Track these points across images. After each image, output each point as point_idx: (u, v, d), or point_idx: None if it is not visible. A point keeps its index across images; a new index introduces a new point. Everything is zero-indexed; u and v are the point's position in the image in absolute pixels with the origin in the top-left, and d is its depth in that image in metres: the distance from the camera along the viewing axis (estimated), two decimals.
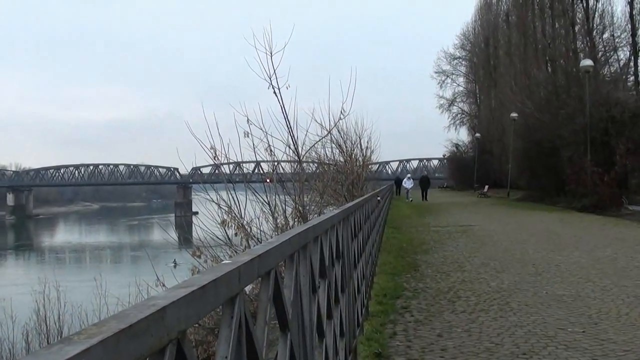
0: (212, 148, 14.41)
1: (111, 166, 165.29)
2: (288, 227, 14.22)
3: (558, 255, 18.32)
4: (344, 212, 7.12)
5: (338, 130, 20.94)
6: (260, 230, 14.75)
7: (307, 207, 15.91)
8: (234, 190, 14.87)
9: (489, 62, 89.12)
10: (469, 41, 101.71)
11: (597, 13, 58.45)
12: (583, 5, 59.02)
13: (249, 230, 14.23)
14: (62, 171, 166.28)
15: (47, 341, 18.84)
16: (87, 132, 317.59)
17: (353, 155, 23.24)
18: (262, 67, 14.92)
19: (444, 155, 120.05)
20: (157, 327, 1.63)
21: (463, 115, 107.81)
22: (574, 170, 41.69)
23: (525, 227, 28.26)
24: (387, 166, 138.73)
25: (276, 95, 15.06)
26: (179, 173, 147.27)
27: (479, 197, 66.73)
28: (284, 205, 15.34)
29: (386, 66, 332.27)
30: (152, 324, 1.60)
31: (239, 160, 15.57)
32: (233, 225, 14.12)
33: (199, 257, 13.54)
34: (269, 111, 15.63)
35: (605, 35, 58.90)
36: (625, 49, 58.32)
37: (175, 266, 20.84)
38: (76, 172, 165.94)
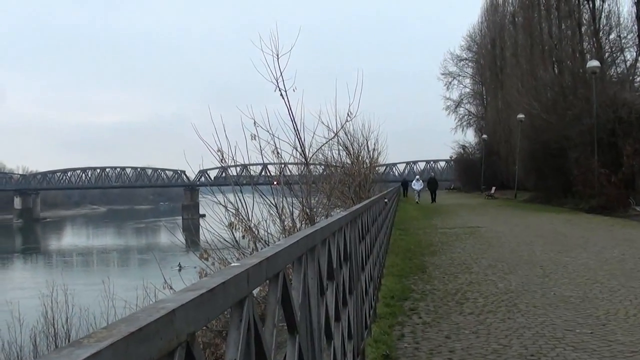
0: (219, 150, 14.42)
1: (118, 169, 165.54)
2: (295, 230, 14.20)
3: (566, 257, 18.29)
4: (352, 214, 7.11)
5: (345, 132, 20.96)
6: (268, 233, 14.74)
7: (315, 210, 15.90)
8: (241, 192, 14.86)
9: (496, 63, 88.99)
10: (475, 42, 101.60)
11: (603, 14, 58.33)
12: (589, 6, 58.89)
13: (256, 232, 14.22)
14: (69, 174, 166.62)
15: (55, 344, 18.86)
16: (94, 135, 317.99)
17: (360, 157, 23.23)
18: (268, 70, 14.93)
19: (450, 157, 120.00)
20: (167, 330, 1.63)
21: (470, 117, 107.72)
22: (581, 172, 41.63)
23: (532, 229, 28.22)
24: (394, 168, 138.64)
25: (283, 98, 15.07)
26: (186, 176, 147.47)
27: (486, 199, 66.60)
28: (291, 208, 15.33)
29: (393, 68, 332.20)
30: (161, 327, 1.60)
31: (246, 162, 15.57)
32: (240, 228, 14.12)
33: (207, 259, 13.54)
34: (275, 113, 15.63)
35: (612, 36, 58.82)
36: (631, 49, 58.25)
37: (179, 270, 20.81)
38: (83, 175, 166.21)
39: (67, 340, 18.90)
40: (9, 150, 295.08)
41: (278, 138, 15.54)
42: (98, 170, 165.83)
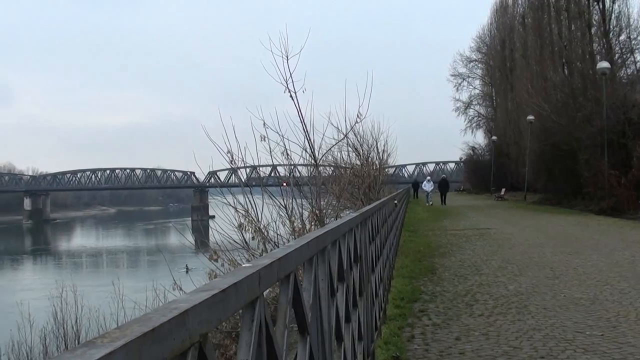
0: (228, 152, 14.43)
1: (128, 170, 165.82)
2: (305, 231, 14.21)
3: (576, 259, 18.25)
4: (362, 215, 7.11)
5: (354, 134, 20.93)
6: (277, 234, 14.75)
7: (324, 211, 15.90)
8: (251, 193, 14.88)
9: (505, 64, 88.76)
10: (485, 44, 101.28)
11: (613, 15, 58.19)
12: (599, 7, 58.76)
13: (265, 234, 14.23)
14: (78, 175, 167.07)
15: (65, 345, 18.91)
16: (103, 136, 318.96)
17: (370, 159, 23.22)
18: (278, 71, 14.92)
19: (460, 159, 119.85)
20: (179, 330, 1.63)
21: (479, 118, 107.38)
22: (591, 173, 41.52)
23: (542, 230, 28.16)
24: (403, 169, 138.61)
25: (292, 99, 15.05)
26: (195, 177, 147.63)
27: (495, 200, 66.46)
28: (300, 209, 15.34)
29: (402, 69, 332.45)
30: (174, 328, 1.60)
31: (256, 164, 15.57)
32: (250, 229, 14.13)
33: (216, 260, 13.55)
34: (285, 115, 15.62)
35: (622, 37, 58.67)
36: None
37: (187, 272, 20.80)
38: (93, 176, 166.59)
39: (76, 341, 18.98)
40: (19, 152, 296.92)
41: (288, 139, 15.54)
42: (108, 172, 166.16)
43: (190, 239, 23.36)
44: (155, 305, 17.42)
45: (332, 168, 21.04)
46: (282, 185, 17.17)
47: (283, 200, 15.38)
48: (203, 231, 19.69)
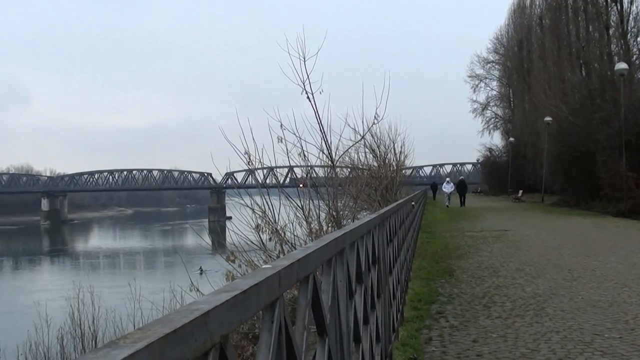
0: (246, 153, 14.45)
1: (145, 171, 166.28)
2: (322, 232, 14.20)
3: (594, 261, 18.17)
4: (380, 217, 7.10)
5: (372, 135, 20.92)
6: (294, 235, 14.75)
7: (341, 212, 15.89)
8: (268, 194, 14.88)
9: (523, 65, 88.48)
10: (502, 45, 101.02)
11: (631, 16, 58.01)
12: (617, 8, 58.55)
13: (283, 235, 14.23)
14: (96, 176, 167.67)
15: (82, 345, 18.97)
16: (121, 137, 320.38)
17: (387, 160, 23.19)
18: (295, 73, 14.93)
19: (477, 160, 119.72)
20: (201, 331, 1.63)
21: (497, 120, 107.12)
22: (609, 175, 41.32)
23: (560, 232, 28.05)
24: (420, 171, 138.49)
25: (309, 100, 15.05)
26: (212, 178, 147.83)
27: (513, 202, 66.29)
28: (317, 210, 15.33)
29: (419, 70, 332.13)
30: (195, 329, 1.60)
31: (273, 165, 15.57)
32: (267, 230, 14.13)
33: (233, 261, 13.56)
34: (302, 116, 15.63)
35: None
36: None
37: (201, 273, 20.79)
38: (110, 177, 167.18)
39: (93, 342, 19.04)
40: (37, 153, 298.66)
41: (305, 141, 15.54)
42: (125, 173, 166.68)
43: (207, 239, 23.39)
44: (172, 307, 17.49)
45: (349, 169, 21.03)
46: (299, 186, 17.18)
47: (300, 201, 15.38)
48: (220, 232, 19.72)
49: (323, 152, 16.14)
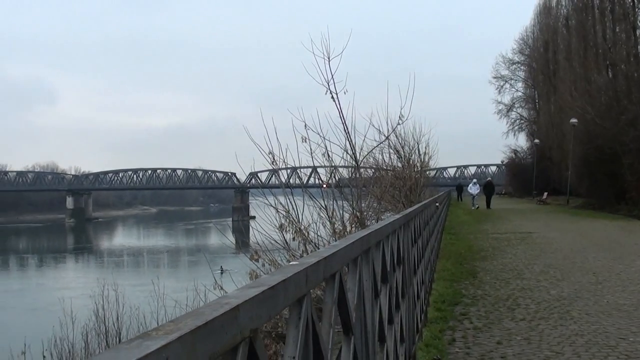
0: (270, 153, 14.46)
1: (169, 170, 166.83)
2: (346, 233, 14.19)
3: (619, 264, 18.05)
4: (405, 217, 7.10)
5: (396, 136, 20.85)
6: (318, 235, 14.74)
7: (365, 213, 15.87)
8: (292, 194, 14.88)
9: (548, 67, 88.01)
10: (527, 46, 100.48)
11: None
12: None
13: (306, 235, 14.23)
14: (120, 175, 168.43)
15: (106, 342, 19.06)
16: (145, 136, 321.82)
17: (411, 161, 23.11)
18: (319, 72, 14.92)
19: (502, 162, 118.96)
20: (231, 325, 1.65)
21: (522, 121, 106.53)
22: (635, 178, 41.08)
23: (585, 235, 27.89)
24: (444, 172, 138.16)
25: (334, 100, 15.05)
26: (236, 178, 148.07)
27: (537, 204, 65.90)
28: (341, 211, 15.32)
29: (444, 71, 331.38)
30: (226, 322, 1.61)
31: (297, 165, 15.57)
32: (291, 230, 14.13)
33: (257, 260, 13.58)
34: (326, 116, 15.60)
35: None
36: None
37: (221, 273, 20.79)
38: (134, 176, 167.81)
39: (117, 338, 19.13)
40: (62, 151, 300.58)
41: (329, 141, 15.52)
42: (149, 172, 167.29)
43: (231, 239, 23.43)
44: (196, 305, 17.55)
45: (372, 170, 21.00)
46: (323, 186, 17.17)
47: (324, 201, 15.38)
48: (244, 231, 19.74)
49: (347, 153, 16.13)
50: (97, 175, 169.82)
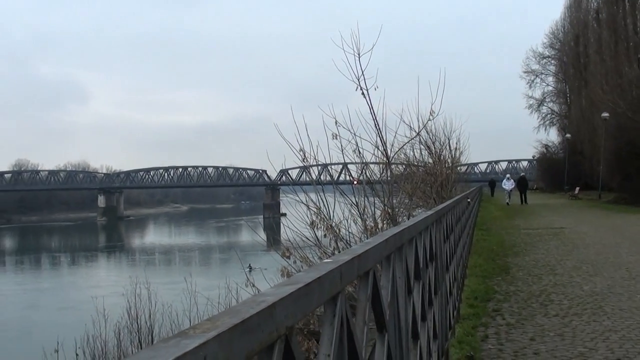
0: (301, 150, 14.45)
1: (200, 168, 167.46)
2: (377, 230, 14.17)
3: None
4: (437, 213, 7.08)
5: (427, 132, 20.77)
6: (349, 232, 14.73)
7: (396, 209, 15.83)
8: (323, 191, 14.87)
9: (579, 60, 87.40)
10: (558, 40, 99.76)
11: None
12: None
13: (338, 232, 14.21)
14: (151, 173, 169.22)
15: (139, 339, 19.20)
16: (176, 135, 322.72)
17: (442, 157, 23.02)
18: (350, 69, 14.88)
19: (533, 157, 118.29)
20: (267, 323, 1.65)
21: (553, 116, 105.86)
22: None
23: (618, 230, 27.69)
24: (475, 167, 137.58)
25: (364, 97, 14.98)
26: (267, 175, 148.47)
27: (569, 199, 65.42)
28: (373, 208, 15.28)
29: (474, 66, 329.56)
30: (262, 320, 1.62)
31: (327, 162, 15.55)
32: (322, 227, 14.12)
33: (289, 257, 13.59)
34: (357, 113, 15.55)
35: None
36: None
37: (250, 271, 20.83)
38: (165, 174, 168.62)
39: (149, 336, 19.25)
40: (94, 150, 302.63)
41: (360, 137, 15.48)
42: (180, 170, 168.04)
43: (262, 236, 23.46)
44: (228, 302, 17.62)
45: (403, 166, 20.95)
46: (354, 183, 17.14)
47: (355, 198, 15.35)
48: (275, 228, 19.77)
49: (378, 149, 16.07)
50: (128, 173, 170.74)
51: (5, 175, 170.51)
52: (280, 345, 1.75)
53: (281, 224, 17.91)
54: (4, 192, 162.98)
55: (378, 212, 15.42)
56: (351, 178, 18.66)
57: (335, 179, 16.92)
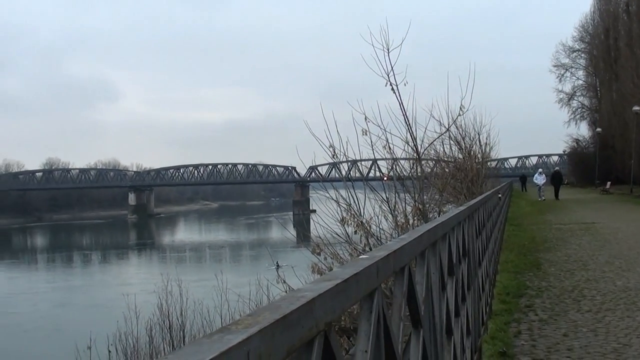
0: (330, 146, 14.44)
1: (230, 165, 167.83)
2: (408, 226, 14.15)
3: None
4: (469, 209, 7.06)
5: (456, 127, 20.72)
6: (380, 228, 14.71)
7: (427, 205, 15.79)
8: (353, 187, 14.87)
9: (609, 54, 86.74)
10: (587, 33, 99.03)
11: None
12: None
13: (368, 228, 14.19)
14: (181, 171, 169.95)
15: (170, 336, 19.28)
16: (206, 132, 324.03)
17: (472, 152, 22.96)
18: (379, 64, 14.86)
19: (564, 151, 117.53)
20: (307, 318, 1.65)
21: (583, 110, 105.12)
22: None
23: None
24: (505, 163, 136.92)
25: (394, 92, 14.96)
26: (296, 172, 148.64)
27: (600, 194, 64.93)
28: (403, 204, 15.25)
29: (503, 60, 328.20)
30: (302, 316, 1.62)
31: (357, 158, 15.52)
32: (352, 223, 14.11)
33: (319, 254, 13.60)
34: (386, 108, 15.52)
35: None
36: None
37: (277, 268, 20.87)
38: (195, 171, 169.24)
39: (181, 332, 19.34)
40: (124, 148, 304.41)
41: (390, 133, 15.45)
42: (210, 167, 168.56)
43: (292, 232, 23.48)
44: (259, 299, 17.67)
45: (433, 162, 20.90)
46: (384, 179, 17.12)
47: (385, 194, 15.33)
48: (305, 225, 19.81)
49: (408, 144, 16.03)
50: (158, 171, 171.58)
51: (37, 174, 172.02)
52: (320, 340, 1.75)
53: (311, 221, 17.91)
54: (35, 190, 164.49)
55: (408, 208, 15.38)
56: (381, 174, 18.63)
57: (365, 175, 16.83)
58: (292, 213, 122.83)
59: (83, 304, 40.74)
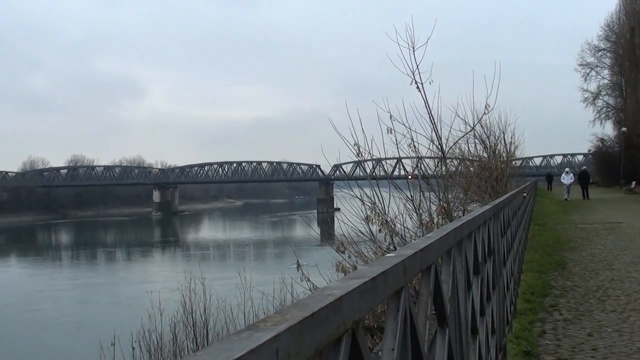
0: (355, 144, 14.43)
1: (254, 163, 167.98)
2: (433, 224, 14.13)
3: None
4: (494, 208, 7.04)
5: (481, 126, 20.65)
6: (404, 227, 14.68)
7: (452, 204, 15.75)
8: (377, 186, 14.86)
9: (635, 53, 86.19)
10: (613, 32, 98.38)
11: None
12: None
13: (393, 226, 14.18)
14: (206, 168, 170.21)
15: (194, 333, 19.34)
16: (231, 130, 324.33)
17: (497, 151, 22.89)
18: (404, 63, 14.84)
19: (589, 151, 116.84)
20: (335, 316, 1.65)
21: (608, 109, 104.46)
22: None
23: None
24: (530, 162, 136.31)
25: (419, 91, 14.94)
26: (320, 170, 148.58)
27: (625, 194, 64.56)
28: (428, 202, 15.22)
29: (528, 59, 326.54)
30: (330, 313, 1.62)
31: (382, 156, 15.50)
32: (377, 222, 14.10)
33: (343, 252, 13.61)
34: (412, 107, 15.48)
35: None
36: None
37: (298, 268, 20.89)
38: (220, 169, 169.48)
39: (204, 330, 19.39)
40: (149, 145, 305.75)
41: (415, 131, 15.41)
42: (234, 165, 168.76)
43: (316, 229, 23.50)
44: (282, 297, 17.69)
45: (458, 160, 20.84)
46: (408, 178, 17.10)
47: (410, 192, 15.30)
48: (329, 223, 19.81)
49: (433, 143, 15.99)
50: (183, 169, 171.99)
51: (62, 171, 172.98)
52: (348, 339, 1.75)
53: (335, 219, 17.92)
54: (60, 187, 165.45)
55: (433, 207, 15.36)
56: (406, 173, 18.61)
57: (390, 173, 16.80)
58: (316, 211, 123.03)
59: (107, 301, 40.92)
